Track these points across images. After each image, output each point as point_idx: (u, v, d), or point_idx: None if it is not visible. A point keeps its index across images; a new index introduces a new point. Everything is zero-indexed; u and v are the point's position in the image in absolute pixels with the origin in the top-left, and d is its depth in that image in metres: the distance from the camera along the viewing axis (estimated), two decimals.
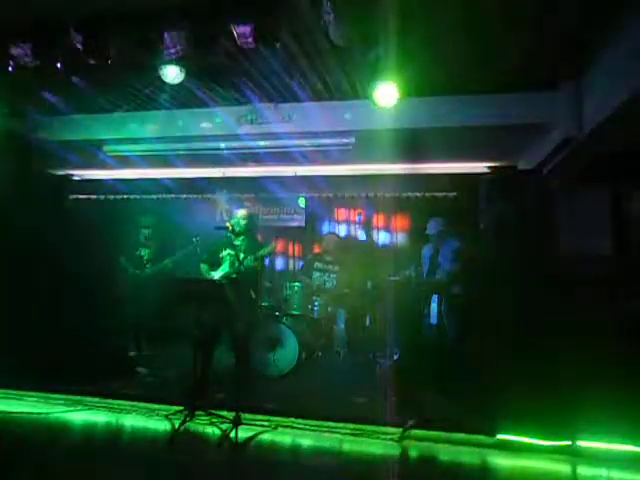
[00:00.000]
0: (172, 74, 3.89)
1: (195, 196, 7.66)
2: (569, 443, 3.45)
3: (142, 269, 5.90)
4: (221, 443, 3.52)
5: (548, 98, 4.48)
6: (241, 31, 3.23)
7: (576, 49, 3.75)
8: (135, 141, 5.55)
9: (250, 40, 3.26)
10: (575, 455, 3.39)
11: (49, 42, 3.55)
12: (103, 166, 6.69)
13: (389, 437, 3.66)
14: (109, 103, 5.09)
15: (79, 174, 7.22)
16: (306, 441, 3.69)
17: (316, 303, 6.07)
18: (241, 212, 4.97)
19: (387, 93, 3.93)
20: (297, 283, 5.96)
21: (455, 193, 6.65)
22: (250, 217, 4.99)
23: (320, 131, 5.05)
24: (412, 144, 5.21)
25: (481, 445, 3.57)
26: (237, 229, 4.79)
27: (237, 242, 4.88)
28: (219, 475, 3.13)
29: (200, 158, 6.00)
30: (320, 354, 6.03)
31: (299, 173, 6.59)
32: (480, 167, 6.07)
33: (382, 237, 7.10)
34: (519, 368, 3.75)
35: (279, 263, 7.45)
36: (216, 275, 4.78)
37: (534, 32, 3.51)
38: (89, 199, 7.55)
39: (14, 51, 3.65)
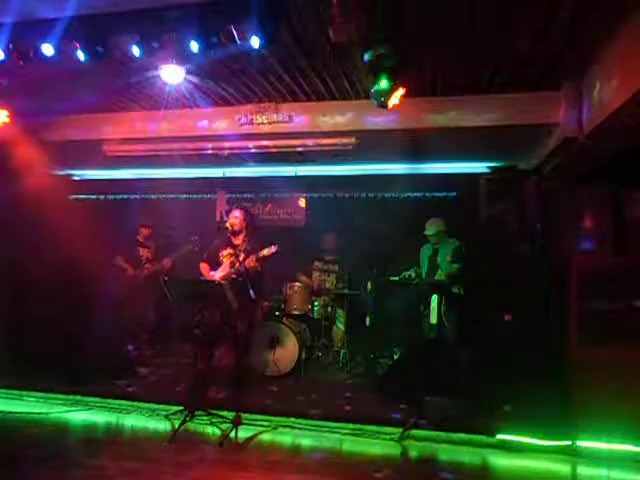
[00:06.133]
0: (172, 74, 3.90)
1: (195, 196, 7.66)
2: (569, 443, 3.46)
3: (142, 269, 5.90)
4: (221, 443, 3.52)
5: (548, 98, 4.47)
6: (241, 31, 3.22)
7: (576, 49, 3.75)
8: (135, 141, 5.54)
9: (250, 40, 3.26)
10: (575, 455, 3.39)
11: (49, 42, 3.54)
12: (103, 166, 6.69)
13: (389, 437, 3.66)
14: (109, 103, 5.09)
15: (79, 174, 7.22)
16: (306, 441, 3.69)
17: (316, 303, 6.08)
18: (238, 211, 5.00)
19: (388, 93, 3.93)
20: (297, 283, 5.96)
21: (455, 193, 6.66)
22: (247, 216, 5.01)
23: (320, 131, 5.04)
24: (412, 144, 5.21)
25: (481, 445, 3.57)
26: (235, 228, 4.82)
27: (237, 242, 4.89)
28: (219, 475, 3.13)
29: (200, 158, 6.00)
30: (320, 354, 6.03)
31: (299, 173, 6.59)
32: (480, 167, 6.07)
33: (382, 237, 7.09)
34: (519, 368, 3.76)
35: (279, 263, 7.44)
36: (216, 275, 4.78)
37: (534, 32, 3.51)
38: (89, 199, 7.55)
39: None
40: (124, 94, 4.85)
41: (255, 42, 3.27)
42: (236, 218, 4.89)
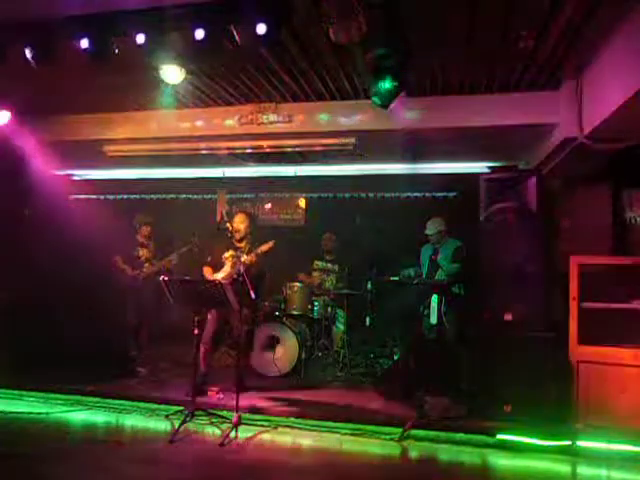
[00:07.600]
0: (172, 74, 3.90)
1: (195, 196, 7.66)
2: (569, 443, 3.46)
3: (141, 269, 5.89)
4: (221, 443, 3.52)
5: (548, 98, 4.48)
6: (242, 31, 3.23)
7: (576, 49, 3.75)
8: (135, 141, 5.54)
9: (250, 40, 3.26)
10: (575, 455, 3.39)
11: (49, 42, 3.55)
12: (103, 166, 6.69)
13: (389, 437, 3.66)
14: (110, 103, 5.09)
15: (79, 174, 7.22)
16: (306, 441, 3.69)
17: (316, 303, 6.07)
18: (242, 216, 4.90)
19: (388, 93, 3.92)
20: (297, 283, 5.96)
21: (455, 193, 6.66)
22: (249, 220, 4.96)
23: (320, 131, 5.04)
24: (412, 144, 5.21)
25: (481, 445, 3.57)
26: (240, 235, 4.75)
27: (240, 245, 4.85)
28: (219, 475, 3.13)
29: (200, 158, 6.00)
30: (320, 354, 6.03)
31: (299, 173, 6.59)
32: (480, 167, 6.07)
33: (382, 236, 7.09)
34: (519, 368, 3.76)
35: (279, 263, 7.44)
36: (218, 275, 4.77)
37: (534, 32, 3.51)
38: (89, 199, 7.56)
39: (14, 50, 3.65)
40: (125, 94, 4.85)
41: (254, 42, 3.27)
42: (241, 224, 4.80)
